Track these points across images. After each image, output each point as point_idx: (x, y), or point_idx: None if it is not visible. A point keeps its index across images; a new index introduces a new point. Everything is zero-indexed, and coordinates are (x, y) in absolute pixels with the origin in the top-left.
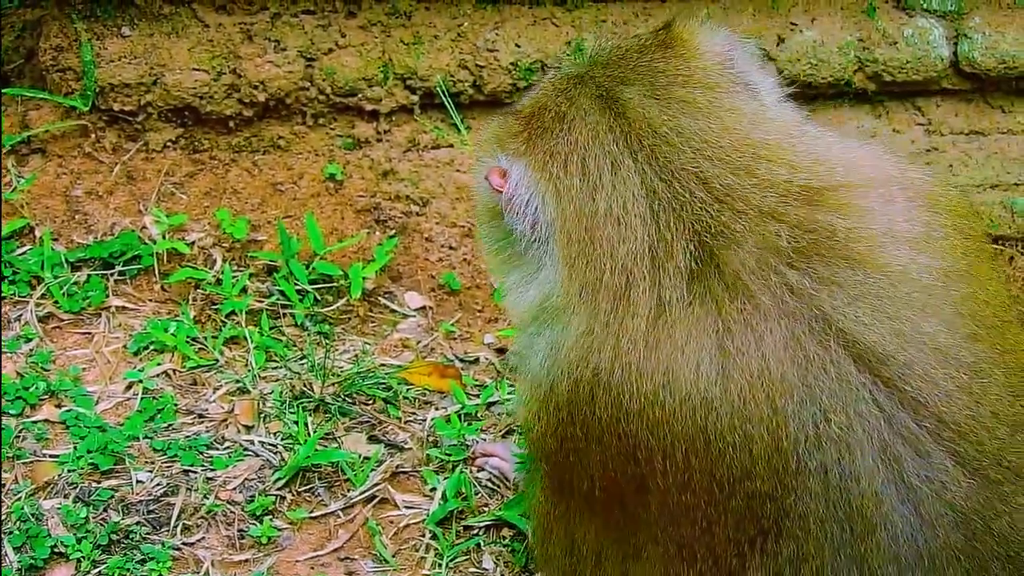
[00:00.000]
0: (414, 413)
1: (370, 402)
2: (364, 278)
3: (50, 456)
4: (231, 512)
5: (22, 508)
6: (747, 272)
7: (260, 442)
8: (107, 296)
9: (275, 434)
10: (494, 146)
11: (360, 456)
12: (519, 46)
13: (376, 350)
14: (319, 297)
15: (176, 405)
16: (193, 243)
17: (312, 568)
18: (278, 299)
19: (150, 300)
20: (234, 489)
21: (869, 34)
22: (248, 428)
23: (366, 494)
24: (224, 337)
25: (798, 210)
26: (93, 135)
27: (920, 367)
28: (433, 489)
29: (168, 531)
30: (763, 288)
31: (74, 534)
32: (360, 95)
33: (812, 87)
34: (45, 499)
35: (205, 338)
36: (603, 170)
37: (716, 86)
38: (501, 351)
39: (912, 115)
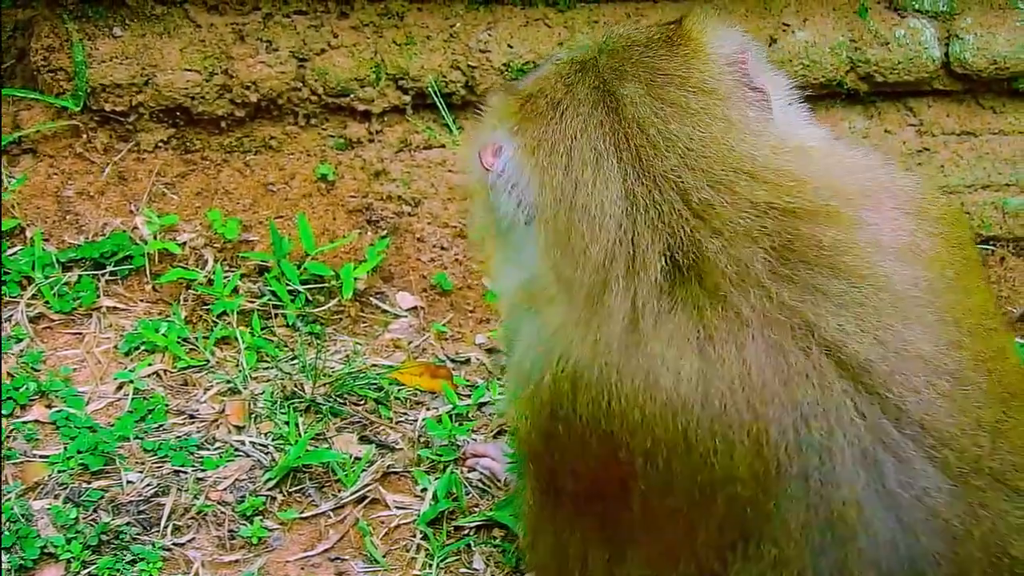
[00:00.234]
0: (405, 413)
1: (361, 402)
2: (356, 278)
3: (40, 456)
4: (221, 513)
5: (12, 509)
6: (727, 285)
7: (251, 442)
8: (98, 296)
9: (266, 434)
10: (492, 120)
11: (351, 456)
12: (511, 47)
13: (367, 350)
14: (310, 297)
15: (167, 405)
16: (184, 243)
17: (302, 568)
18: (269, 299)
19: (141, 300)
20: (224, 489)
21: (861, 35)
22: (239, 428)
23: (357, 494)
24: (215, 337)
25: (779, 225)
26: (84, 135)
27: (902, 375)
28: (424, 489)
29: (158, 531)
30: (744, 300)
31: (64, 535)
32: (352, 95)
33: (804, 88)
34: (35, 499)
35: (196, 338)
36: (587, 165)
37: (713, 92)
38: (492, 351)
39: (904, 116)
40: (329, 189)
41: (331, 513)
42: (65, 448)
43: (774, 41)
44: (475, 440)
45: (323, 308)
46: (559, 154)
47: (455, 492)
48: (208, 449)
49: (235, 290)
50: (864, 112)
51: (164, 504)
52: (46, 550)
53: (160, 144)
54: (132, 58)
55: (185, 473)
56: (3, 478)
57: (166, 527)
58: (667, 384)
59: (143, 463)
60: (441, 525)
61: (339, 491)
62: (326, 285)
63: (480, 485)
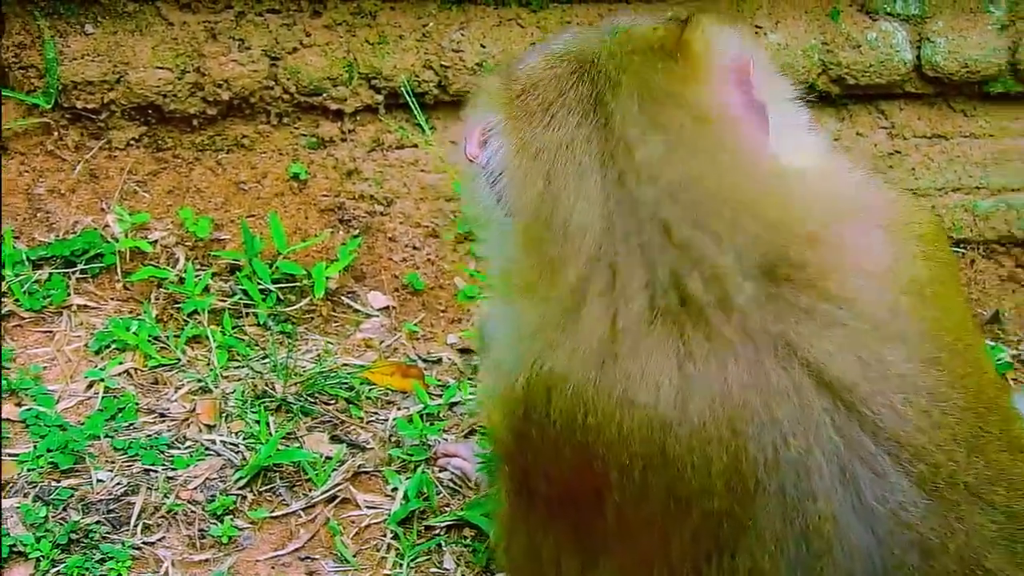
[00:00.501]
0: (376, 413)
1: (332, 402)
2: (327, 278)
3: (9, 455)
4: (192, 512)
5: None
6: (711, 312)
7: (222, 441)
8: (69, 294)
9: (237, 434)
10: (485, 105)
11: (322, 456)
12: (484, 47)
13: (339, 350)
14: (282, 296)
15: (137, 404)
16: (156, 242)
17: (273, 568)
18: (241, 298)
19: (112, 299)
20: (195, 488)
21: (833, 37)
22: (210, 427)
23: (327, 494)
24: (186, 336)
25: (765, 256)
26: (56, 133)
27: (881, 393)
28: (395, 489)
29: (128, 530)
30: (727, 322)
31: (33, 533)
32: (325, 94)
33: None
34: (4, 498)
35: (167, 337)
36: (568, 179)
37: (707, 119)
38: (464, 351)
39: (875, 118)
40: (301, 188)
41: (301, 512)
42: (35, 446)
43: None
44: (446, 440)
45: (294, 307)
46: (543, 161)
47: (426, 492)
48: (178, 448)
49: (206, 289)
50: (836, 114)
51: (134, 503)
52: (15, 548)
53: (132, 142)
54: (104, 55)
55: (155, 472)
56: None
57: (136, 526)
58: (645, 400)
59: (113, 462)
60: (412, 525)
61: (310, 490)
62: (298, 284)
63: (451, 485)
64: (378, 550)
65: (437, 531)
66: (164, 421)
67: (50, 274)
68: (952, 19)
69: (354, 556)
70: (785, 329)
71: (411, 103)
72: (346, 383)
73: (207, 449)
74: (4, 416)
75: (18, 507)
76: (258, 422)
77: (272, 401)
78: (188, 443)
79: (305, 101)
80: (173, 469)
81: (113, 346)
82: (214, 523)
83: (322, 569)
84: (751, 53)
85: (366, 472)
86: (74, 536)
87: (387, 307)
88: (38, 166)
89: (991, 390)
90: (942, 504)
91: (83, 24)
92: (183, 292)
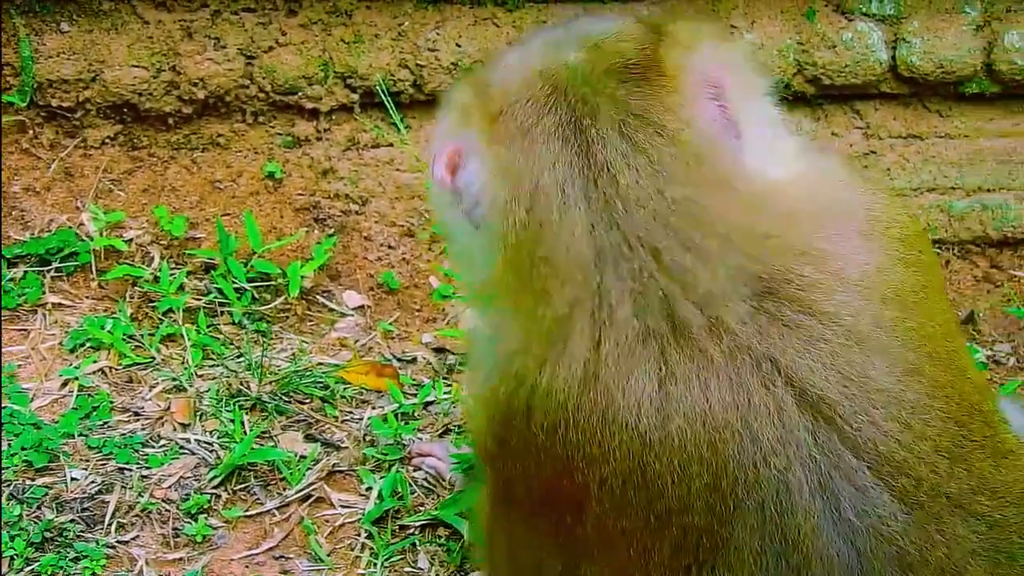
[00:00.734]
0: (351, 412)
1: (307, 401)
2: (302, 277)
3: None
4: (166, 510)
5: None
6: (697, 332)
7: (196, 440)
8: (43, 293)
9: (211, 432)
10: (460, 118)
11: (296, 455)
12: (460, 46)
13: (313, 349)
14: (257, 295)
15: (112, 403)
16: (131, 240)
17: (247, 567)
18: (216, 297)
19: (87, 297)
20: (169, 487)
21: (808, 37)
22: (184, 426)
23: (302, 493)
24: (161, 335)
25: (753, 277)
26: (31, 131)
27: (863, 409)
28: (369, 488)
29: (102, 529)
30: (712, 342)
31: (7, 531)
32: (300, 93)
33: None
34: None
35: (142, 336)
36: (553, 207)
37: (688, 142)
38: (439, 351)
39: (851, 118)
40: (276, 187)
41: (276, 511)
42: (9, 445)
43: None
44: (421, 439)
45: (269, 306)
46: (525, 188)
47: (400, 491)
48: (153, 447)
49: (181, 287)
50: (811, 114)
51: (108, 501)
52: None
53: (107, 140)
54: (79, 54)
55: (129, 471)
56: None
57: (110, 525)
58: (626, 419)
59: (87, 460)
60: (386, 524)
61: (284, 489)
62: (273, 283)
63: (425, 484)
64: (352, 549)
65: (411, 530)
66: (138, 420)
67: (25, 272)
68: (927, 19)
69: (328, 555)
70: (769, 346)
71: (387, 102)
72: (321, 382)
73: (181, 448)
74: None
75: None
76: (233, 421)
77: (247, 400)
78: (162, 442)
79: (280, 100)
80: (147, 468)
81: (88, 344)
82: (188, 522)
83: (296, 568)
84: (725, 59)
85: (340, 471)
86: (48, 535)
87: (362, 306)
88: (13, 164)
89: (974, 395)
90: (923, 517)
91: (59, 22)
92: (158, 291)
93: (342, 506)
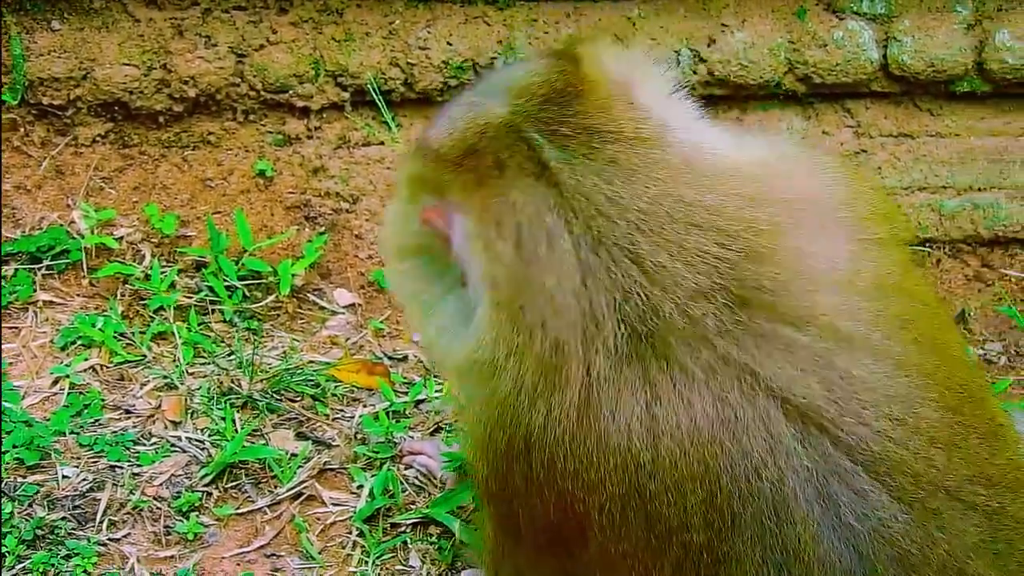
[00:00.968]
0: (342, 410)
1: (298, 399)
2: (293, 275)
3: None
4: (157, 508)
5: None
6: (678, 346)
7: (187, 438)
8: (34, 290)
9: (202, 430)
10: (422, 186)
11: (287, 453)
12: (451, 44)
13: (305, 347)
14: (248, 293)
15: (103, 400)
16: (122, 238)
17: (238, 565)
18: (207, 295)
19: (78, 295)
20: (160, 485)
21: (799, 36)
22: (175, 424)
23: (293, 491)
24: (152, 333)
25: (728, 274)
26: (22, 129)
27: (851, 412)
28: (360, 486)
29: (94, 527)
30: (694, 360)
31: None
32: (291, 92)
33: (743, 88)
34: None
35: (133, 333)
36: (538, 243)
37: (646, 140)
38: None
39: (842, 117)
40: (267, 185)
41: (267, 509)
42: (0, 443)
43: (713, 42)
44: (412, 437)
45: (260, 304)
46: (508, 229)
47: (391, 489)
48: (144, 444)
49: (172, 285)
50: (802, 113)
51: (100, 499)
52: None
53: (98, 138)
54: (70, 52)
55: (121, 468)
56: None
57: (101, 522)
58: (618, 444)
59: (79, 458)
60: (377, 522)
61: (275, 487)
62: (264, 281)
63: (416, 482)
64: (343, 547)
65: (403, 528)
66: (130, 417)
67: (16, 270)
68: (919, 18)
69: (319, 553)
70: (748, 358)
71: (378, 101)
72: (312, 380)
73: (172, 446)
74: None
75: None
76: (224, 419)
77: (238, 398)
78: (154, 439)
79: (271, 98)
80: (139, 466)
81: (79, 342)
82: (179, 520)
83: (287, 566)
84: (637, 67)
85: (332, 469)
86: (40, 532)
87: (353, 304)
88: (4, 162)
89: (961, 372)
90: (923, 514)
91: (49, 20)
92: (149, 288)
93: (333, 504)
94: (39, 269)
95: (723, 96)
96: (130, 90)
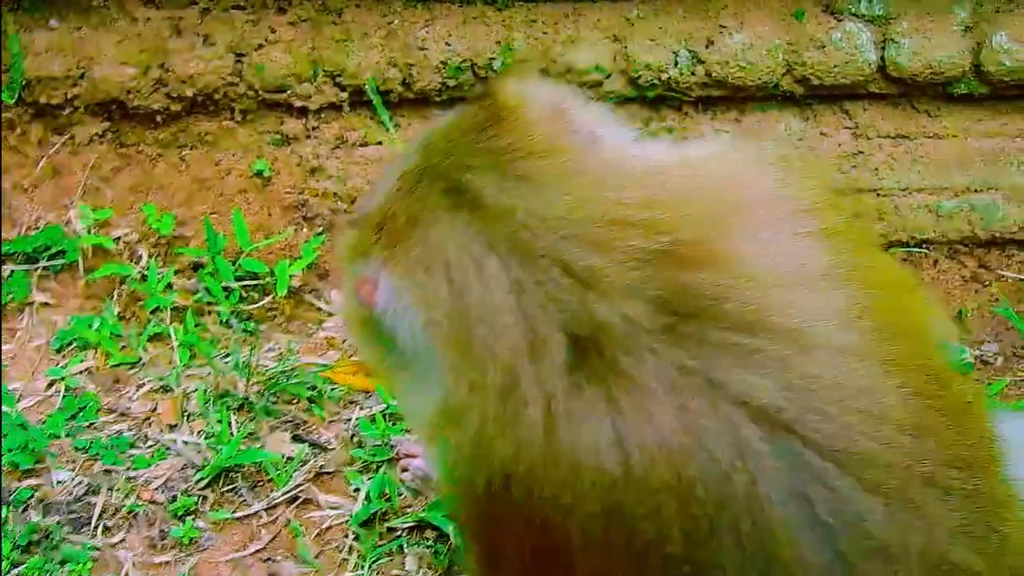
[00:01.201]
0: (338, 413)
1: (294, 401)
2: (290, 276)
3: None
4: (153, 512)
5: None
6: (623, 355)
7: (183, 441)
8: (31, 291)
9: (198, 433)
10: (353, 258)
11: (284, 456)
12: (449, 44)
13: (301, 348)
14: (245, 294)
15: (99, 403)
16: (119, 238)
17: (234, 569)
18: (203, 296)
19: (74, 296)
20: (156, 489)
21: (798, 38)
22: (171, 427)
23: (289, 494)
24: (148, 334)
25: (663, 277)
26: (18, 128)
27: (814, 409)
28: (357, 490)
29: (89, 531)
30: (642, 369)
31: None
32: (289, 91)
33: (741, 89)
34: None
35: (129, 335)
36: (467, 271)
37: (561, 150)
38: None
39: (840, 118)
40: (265, 185)
41: (263, 513)
42: None
43: (711, 43)
44: (408, 440)
45: (257, 305)
46: (436, 268)
47: (388, 493)
48: (140, 448)
49: (169, 286)
50: (800, 114)
51: (95, 504)
52: None
53: (95, 138)
54: (68, 51)
55: (116, 472)
56: None
57: (96, 527)
58: (589, 463)
59: (74, 462)
60: (374, 526)
61: (271, 491)
62: (261, 282)
63: (413, 486)
64: (340, 551)
65: (399, 532)
66: (125, 420)
67: (12, 271)
68: (916, 20)
69: (316, 557)
70: (703, 367)
71: (375, 102)
72: (308, 382)
73: (168, 449)
74: None
75: None
76: (220, 421)
77: (234, 400)
78: (149, 443)
79: (270, 98)
80: (134, 469)
81: (75, 344)
82: (175, 524)
83: (284, 570)
84: (564, 95)
85: (328, 472)
86: (34, 537)
87: None
88: (2, 161)
89: (926, 354)
90: (899, 505)
91: (47, 19)
92: (145, 290)
93: (330, 507)
94: (35, 270)
95: (721, 97)
96: (127, 89)
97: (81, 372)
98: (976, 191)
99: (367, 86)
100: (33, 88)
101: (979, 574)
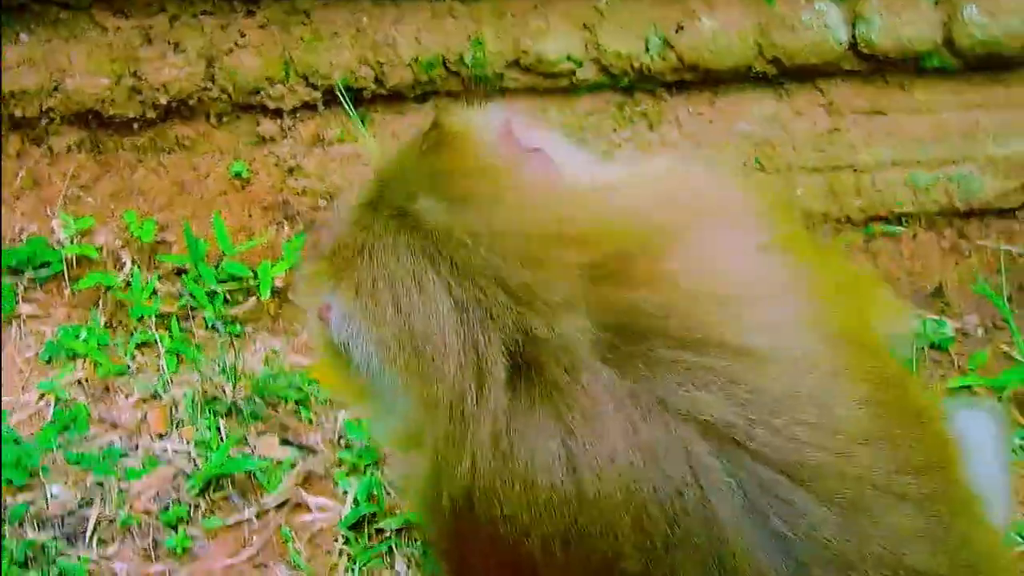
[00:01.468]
0: (325, 414)
1: (282, 404)
2: (273, 277)
3: None
4: (146, 523)
5: None
6: (563, 373)
7: (173, 450)
8: (17, 303)
9: (188, 441)
10: (310, 288)
11: (273, 460)
12: (419, 40)
13: (287, 349)
14: (229, 298)
15: (89, 414)
16: (101, 247)
17: None
18: (188, 301)
19: (61, 306)
20: (148, 499)
21: (768, 19)
22: (161, 436)
23: (279, 499)
24: (135, 342)
25: (602, 294)
26: None
27: (763, 423)
28: (345, 492)
29: (84, 545)
30: (587, 387)
31: None
32: (263, 93)
33: (714, 72)
34: None
35: (116, 344)
36: (411, 291)
37: (498, 171)
38: None
39: (814, 96)
40: (244, 186)
41: (254, 519)
42: None
43: (681, 28)
44: None
45: (242, 308)
46: (381, 291)
47: (376, 495)
48: (131, 458)
49: (154, 292)
50: (774, 94)
51: (88, 516)
52: None
53: (73, 147)
54: (40, 64)
55: (108, 484)
56: None
57: (91, 540)
58: (543, 482)
59: (66, 475)
60: (363, 528)
61: (262, 496)
62: (244, 285)
63: (399, 485)
64: (330, 555)
65: (388, 534)
66: (116, 431)
67: None
68: None
69: (307, 562)
70: (650, 385)
71: (345, 104)
72: (295, 384)
73: (159, 458)
74: None
75: None
76: (209, 428)
77: (222, 406)
78: (140, 452)
79: (244, 101)
80: (126, 480)
81: (63, 355)
82: (168, 533)
83: (276, 575)
84: (509, 118)
85: (317, 475)
86: (30, 553)
87: None
88: None
89: (876, 360)
90: (853, 512)
91: (17, 33)
92: (130, 298)
93: (319, 511)
94: (21, 282)
95: (694, 81)
96: (102, 99)
97: (71, 383)
98: (952, 163)
99: (337, 90)
100: (8, 102)
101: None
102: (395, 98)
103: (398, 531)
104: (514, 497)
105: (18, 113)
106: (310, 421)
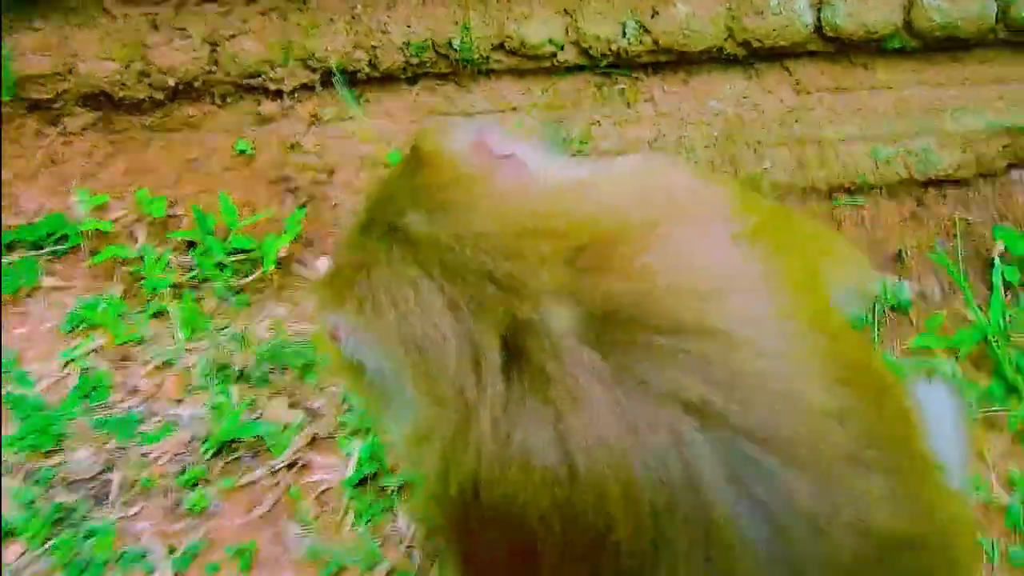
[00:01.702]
0: (329, 379)
1: (289, 369)
2: (278, 249)
3: None
4: (164, 485)
5: None
6: (550, 357)
7: (188, 415)
8: (39, 276)
9: (202, 406)
10: (320, 311)
11: (282, 424)
12: (410, 26)
13: (293, 317)
14: (237, 269)
15: (110, 382)
16: (116, 220)
17: (243, 532)
18: (198, 273)
19: (80, 277)
20: (167, 462)
21: (738, 4)
22: (177, 401)
23: (288, 461)
24: (150, 313)
25: (583, 283)
26: (16, 121)
27: (742, 399)
28: (349, 454)
29: (109, 506)
30: (570, 371)
31: (23, 513)
32: (264, 76)
33: (687, 54)
34: None
35: (132, 314)
36: (408, 298)
37: (476, 177)
38: None
39: (782, 75)
40: (248, 163)
41: (265, 480)
42: (19, 428)
43: (656, 13)
44: None
45: (249, 279)
46: (383, 303)
47: (377, 455)
48: (149, 423)
49: (167, 264)
50: (744, 74)
51: (112, 480)
52: (7, 529)
53: (87, 127)
54: (54, 50)
55: (129, 448)
56: None
57: (115, 502)
58: (538, 467)
59: (90, 440)
60: (366, 486)
61: (272, 458)
62: (250, 256)
63: None
64: (336, 513)
65: (390, 492)
66: (135, 397)
67: (20, 257)
68: None
69: (315, 519)
70: (633, 369)
71: (339, 89)
72: (301, 351)
73: (175, 423)
74: None
75: (9, 489)
76: (221, 393)
77: (233, 372)
78: (157, 418)
79: (246, 83)
80: (146, 444)
81: (84, 325)
82: (186, 494)
83: (287, 531)
84: (483, 129)
85: (322, 438)
86: (60, 515)
87: None
88: (2, 153)
89: (844, 343)
90: (828, 481)
91: (31, 19)
92: (144, 271)
93: (326, 471)
94: (42, 255)
95: (669, 62)
96: (113, 82)
97: (92, 352)
98: (912, 137)
99: (334, 72)
100: (24, 85)
101: (908, 536)
102: (387, 80)
103: (399, 489)
104: (513, 479)
105: (34, 96)
106: (316, 384)
